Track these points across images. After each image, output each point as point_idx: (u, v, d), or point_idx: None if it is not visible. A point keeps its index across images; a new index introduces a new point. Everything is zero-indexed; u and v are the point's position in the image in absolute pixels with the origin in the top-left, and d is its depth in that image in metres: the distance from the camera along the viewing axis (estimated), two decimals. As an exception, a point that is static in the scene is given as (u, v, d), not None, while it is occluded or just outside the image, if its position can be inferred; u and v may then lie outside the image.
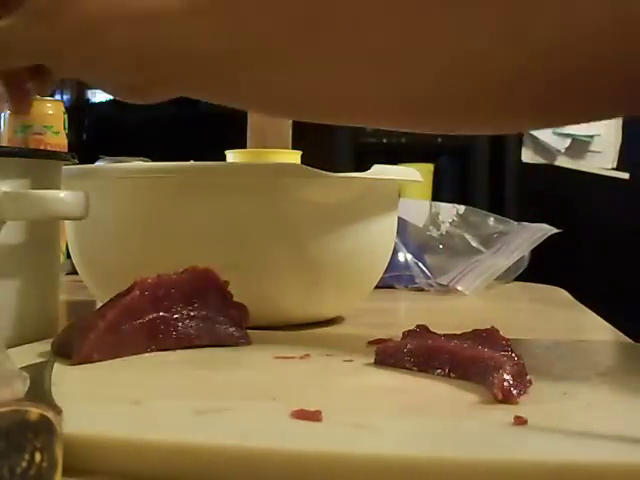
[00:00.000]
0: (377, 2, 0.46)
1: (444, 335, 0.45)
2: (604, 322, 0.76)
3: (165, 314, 0.49)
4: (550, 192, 2.31)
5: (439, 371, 0.42)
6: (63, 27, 0.50)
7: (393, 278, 0.99)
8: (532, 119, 0.51)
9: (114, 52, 0.50)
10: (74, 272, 0.73)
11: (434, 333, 0.46)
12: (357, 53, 0.47)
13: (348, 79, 0.48)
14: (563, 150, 2.31)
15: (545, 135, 2.29)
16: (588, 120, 0.50)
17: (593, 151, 2.32)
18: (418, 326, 0.47)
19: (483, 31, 0.44)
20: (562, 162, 2.32)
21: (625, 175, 2.30)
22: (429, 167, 1.62)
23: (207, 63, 0.49)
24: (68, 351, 0.46)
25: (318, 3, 0.47)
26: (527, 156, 2.33)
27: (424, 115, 0.50)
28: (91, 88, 3.31)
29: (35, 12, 0.50)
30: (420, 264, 1.03)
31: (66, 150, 0.98)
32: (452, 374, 0.42)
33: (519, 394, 0.37)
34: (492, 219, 1.15)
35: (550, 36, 0.43)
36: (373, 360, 0.45)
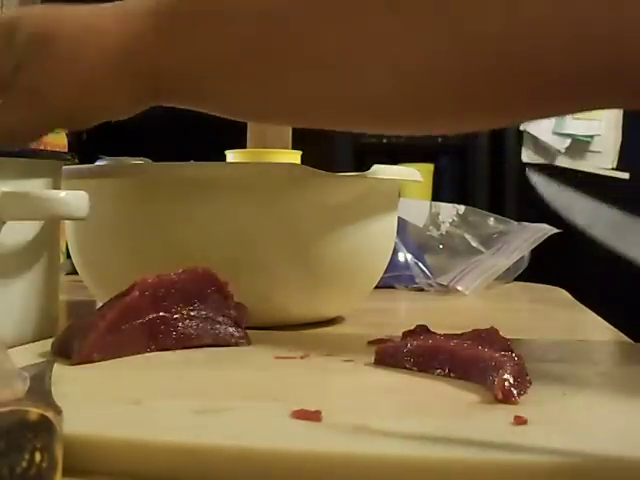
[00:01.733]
0: (322, 12, 0.48)
1: (444, 335, 0.45)
2: (604, 322, 0.76)
3: (165, 314, 0.49)
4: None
5: (439, 371, 0.42)
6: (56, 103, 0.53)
7: (393, 278, 0.99)
8: (492, 118, 0.51)
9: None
10: (74, 272, 0.73)
11: (434, 333, 0.46)
12: (309, 61, 0.49)
13: (308, 86, 0.50)
14: (563, 150, 2.31)
15: (545, 135, 2.29)
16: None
17: (593, 151, 2.32)
18: (418, 326, 0.47)
19: (428, 36, 0.45)
20: (562, 162, 2.32)
21: (625, 175, 2.29)
22: (429, 167, 1.62)
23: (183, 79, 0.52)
24: (68, 351, 0.46)
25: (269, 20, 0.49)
26: (527, 156, 2.33)
27: (380, 117, 0.51)
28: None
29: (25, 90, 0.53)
30: (420, 264, 1.03)
31: (66, 150, 0.98)
32: (452, 374, 0.42)
33: (519, 394, 0.37)
34: (492, 219, 1.15)
35: (497, 37, 0.44)
36: (373, 360, 0.45)
